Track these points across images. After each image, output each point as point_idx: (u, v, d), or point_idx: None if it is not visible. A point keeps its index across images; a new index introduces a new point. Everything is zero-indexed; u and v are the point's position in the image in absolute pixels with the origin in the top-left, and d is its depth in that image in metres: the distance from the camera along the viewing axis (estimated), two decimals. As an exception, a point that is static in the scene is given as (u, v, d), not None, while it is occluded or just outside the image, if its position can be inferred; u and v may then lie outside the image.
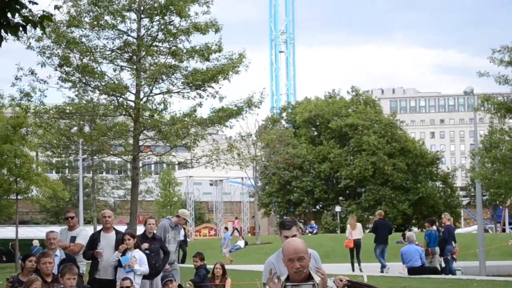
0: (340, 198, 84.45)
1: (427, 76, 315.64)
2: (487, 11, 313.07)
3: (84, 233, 15.54)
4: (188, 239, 36.69)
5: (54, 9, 9.54)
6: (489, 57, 30.12)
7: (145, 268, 14.88)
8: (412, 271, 25.76)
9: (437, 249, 27.57)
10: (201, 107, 29.55)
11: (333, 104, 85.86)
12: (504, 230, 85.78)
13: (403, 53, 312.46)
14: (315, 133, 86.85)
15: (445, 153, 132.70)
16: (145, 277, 15.05)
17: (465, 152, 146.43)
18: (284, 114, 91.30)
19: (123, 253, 14.67)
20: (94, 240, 15.27)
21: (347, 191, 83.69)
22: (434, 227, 28.34)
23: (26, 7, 9.01)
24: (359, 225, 31.02)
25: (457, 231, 77.57)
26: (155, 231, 16.48)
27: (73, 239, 15.10)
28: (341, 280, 7.68)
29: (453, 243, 27.94)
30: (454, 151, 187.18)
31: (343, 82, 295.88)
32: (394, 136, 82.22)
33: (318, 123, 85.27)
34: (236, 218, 79.67)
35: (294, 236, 8.78)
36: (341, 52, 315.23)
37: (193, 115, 29.36)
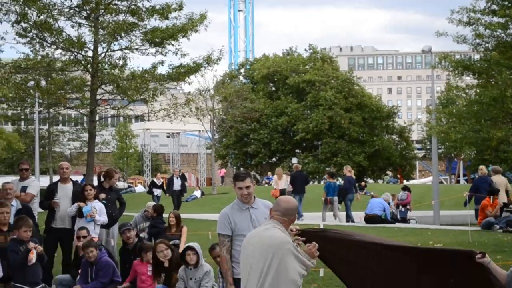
0: (297, 150, 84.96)
1: (385, 35, 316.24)
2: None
3: (35, 183, 15.61)
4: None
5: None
6: (448, 18, 30.33)
7: (104, 218, 15.08)
8: (368, 219, 26.67)
9: (336, 198, 30.31)
10: (162, 65, 29.67)
11: (291, 61, 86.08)
12: (458, 182, 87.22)
13: (362, 13, 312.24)
14: (273, 88, 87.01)
15: (402, 108, 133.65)
16: (102, 226, 15.22)
17: (422, 107, 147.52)
18: (242, 71, 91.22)
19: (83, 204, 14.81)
20: (51, 191, 15.45)
21: (304, 144, 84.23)
22: (333, 179, 32.17)
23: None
24: (285, 176, 33.19)
25: (412, 182, 79.27)
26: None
27: (23, 188, 15.15)
28: (292, 230, 7.89)
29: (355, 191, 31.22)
30: (411, 106, 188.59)
31: (301, 40, 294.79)
32: (351, 92, 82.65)
33: (276, 79, 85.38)
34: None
35: (248, 187, 8.99)
36: (299, 12, 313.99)
37: (153, 72, 29.33)
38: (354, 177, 32.64)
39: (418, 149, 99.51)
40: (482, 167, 28.09)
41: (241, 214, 8.95)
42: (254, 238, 7.68)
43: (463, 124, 31.10)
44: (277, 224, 7.59)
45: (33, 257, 11.44)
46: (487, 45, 30.13)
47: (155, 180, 40.14)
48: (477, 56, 31.67)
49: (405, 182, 70.76)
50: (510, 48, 28.94)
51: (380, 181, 77.99)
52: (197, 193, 51.72)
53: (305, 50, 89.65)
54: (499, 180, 25.68)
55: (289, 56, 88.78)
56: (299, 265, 7.38)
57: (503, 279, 7.39)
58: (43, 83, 32.92)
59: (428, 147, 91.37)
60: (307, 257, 7.49)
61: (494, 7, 29.23)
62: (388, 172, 78.18)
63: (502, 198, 24.80)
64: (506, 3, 28.88)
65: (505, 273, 7.41)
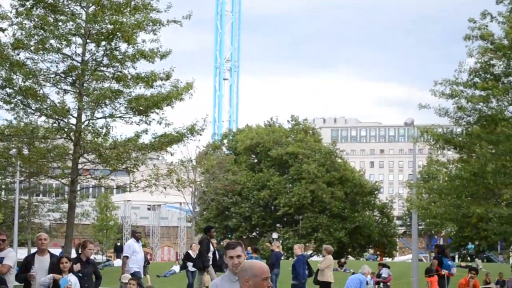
0: (278, 225, 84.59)
1: (369, 107, 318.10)
2: (427, 46, 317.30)
3: (12, 254, 15.31)
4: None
5: (-1, 31, 9.45)
6: (430, 90, 30.48)
7: (78, 293, 14.76)
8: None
9: None
10: (146, 133, 29.55)
11: (273, 132, 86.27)
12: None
13: (346, 86, 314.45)
14: (256, 160, 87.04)
15: (383, 183, 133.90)
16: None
17: (403, 182, 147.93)
18: (225, 141, 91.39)
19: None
20: (28, 263, 15.09)
21: (285, 218, 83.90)
22: (257, 254, 32.48)
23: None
24: None
25: (391, 259, 78.92)
26: (91, 256, 16.30)
27: (0, 260, 14.87)
28: None
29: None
30: (393, 181, 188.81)
31: (285, 111, 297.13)
32: (333, 165, 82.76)
33: (258, 151, 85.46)
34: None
35: (239, 256, 8.95)
36: (284, 82, 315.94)
37: (135, 141, 29.17)
38: (282, 252, 32.92)
39: (400, 226, 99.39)
40: (296, 247, 29.74)
41: (229, 287, 8.80)
42: None
43: (443, 199, 31.06)
44: None
45: None
46: (468, 118, 30.29)
47: (190, 252, 33.45)
48: (458, 130, 31.78)
49: (385, 259, 70.49)
50: (491, 122, 29.04)
51: (362, 259, 77.71)
52: (176, 268, 50.83)
53: (288, 121, 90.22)
54: (329, 260, 27.52)
55: (271, 127, 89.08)
56: None
57: None
58: (25, 151, 32.76)
59: (408, 223, 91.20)
60: None
61: (476, 79, 29.46)
62: (369, 249, 78.10)
63: (330, 277, 27.18)
64: (488, 75, 29.10)
65: None
